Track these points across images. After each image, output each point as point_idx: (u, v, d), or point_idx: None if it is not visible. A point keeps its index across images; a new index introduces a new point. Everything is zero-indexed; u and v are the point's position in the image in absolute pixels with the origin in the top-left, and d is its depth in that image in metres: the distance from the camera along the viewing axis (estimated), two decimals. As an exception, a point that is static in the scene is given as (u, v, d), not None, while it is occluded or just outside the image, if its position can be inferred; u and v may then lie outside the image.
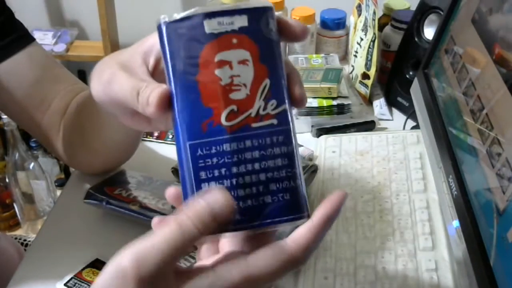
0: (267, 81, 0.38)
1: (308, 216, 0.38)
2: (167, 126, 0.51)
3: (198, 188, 0.38)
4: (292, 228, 0.39)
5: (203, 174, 0.38)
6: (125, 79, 0.44)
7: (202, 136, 0.38)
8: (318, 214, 0.38)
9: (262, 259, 0.37)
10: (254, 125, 0.38)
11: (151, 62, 0.45)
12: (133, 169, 0.76)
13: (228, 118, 0.38)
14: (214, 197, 0.37)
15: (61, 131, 0.72)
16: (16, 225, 1.75)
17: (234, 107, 0.38)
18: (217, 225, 0.37)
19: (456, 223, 0.54)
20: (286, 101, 0.39)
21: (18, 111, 0.73)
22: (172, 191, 0.40)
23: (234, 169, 0.38)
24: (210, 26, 0.38)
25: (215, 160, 0.38)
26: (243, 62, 0.38)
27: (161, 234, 0.36)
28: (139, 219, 0.66)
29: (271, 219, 0.38)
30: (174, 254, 0.36)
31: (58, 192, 1.73)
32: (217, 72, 0.38)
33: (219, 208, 0.36)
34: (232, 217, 0.37)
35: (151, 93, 0.40)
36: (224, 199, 0.37)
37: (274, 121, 0.38)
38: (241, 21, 0.38)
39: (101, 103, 0.48)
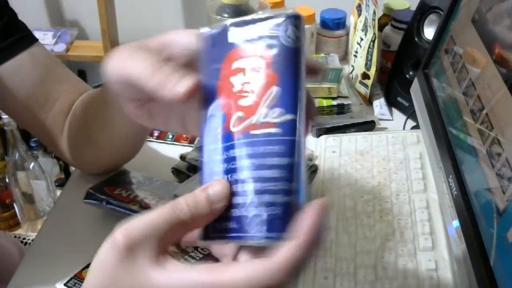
0: (274, 89, 0.37)
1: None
2: (166, 126, 0.52)
3: None
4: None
5: (215, 178, 0.39)
6: (144, 58, 0.44)
7: (217, 142, 0.39)
8: (300, 231, 0.35)
9: (241, 272, 0.35)
10: (252, 132, 0.37)
11: (164, 55, 0.46)
12: (133, 169, 0.76)
13: (234, 124, 0.38)
14: (211, 185, 0.38)
15: (65, 131, 0.73)
16: (16, 225, 1.75)
17: (241, 113, 0.38)
18: (209, 209, 0.37)
19: (456, 223, 0.54)
20: (297, 111, 0.37)
21: (21, 111, 0.73)
22: None
23: (234, 176, 0.37)
24: (232, 35, 0.40)
25: (225, 165, 0.38)
26: (255, 69, 0.38)
27: (153, 212, 0.38)
28: (139, 219, 0.66)
29: (252, 233, 0.36)
30: (162, 227, 0.37)
31: (58, 192, 1.73)
32: (231, 79, 0.39)
33: (213, 193, 0.38)
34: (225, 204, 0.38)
35: (181, 81, 0.40)
36: (220, 186, 0.38)
37: (273, 130, 0.37)
38: (261, 30, 0.38)
39: (113, 82, 0.48)
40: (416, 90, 0.74)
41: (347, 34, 1.07)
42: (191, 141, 0.86)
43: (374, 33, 0.88)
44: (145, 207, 0.67)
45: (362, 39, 0.94)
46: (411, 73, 0.89)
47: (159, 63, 0.43)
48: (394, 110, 0.94)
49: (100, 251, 0.38)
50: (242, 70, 0.39)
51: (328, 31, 1.06)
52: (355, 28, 1.00)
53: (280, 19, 0.38)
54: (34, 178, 1.64)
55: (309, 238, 0.35)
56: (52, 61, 0.75)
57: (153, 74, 0.42)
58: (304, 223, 0.35)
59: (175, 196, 0.67)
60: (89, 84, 0.78)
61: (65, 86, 0.74)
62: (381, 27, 0.97)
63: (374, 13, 0.87)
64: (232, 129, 0.38)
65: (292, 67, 0.38)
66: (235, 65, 0.39)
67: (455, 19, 0.67)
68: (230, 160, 0.38)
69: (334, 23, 1.05)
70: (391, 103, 0.94)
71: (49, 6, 2.10)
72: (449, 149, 0.60)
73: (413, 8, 0.90)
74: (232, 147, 0.38)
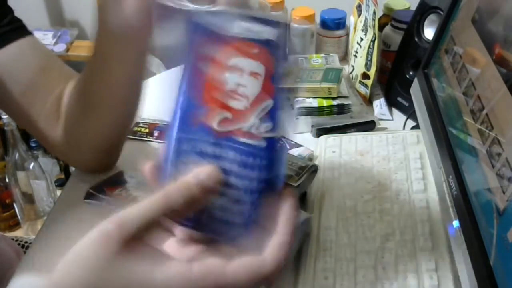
0: (270, 102, 0.37)
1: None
2: None
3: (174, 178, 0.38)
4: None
5: (182, 168, 0.38)
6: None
7: (191, 132, 0.37)
8: (281, 225, 0.38)
9: (241, 274, 0.37)
10: (240, 138, 0.37)
11: None
12: (132, 169, 0.76)
13: (219, 123, 0.37)
14: (202, 170, 0.37)
15: (61, 118, 0.72)
16: (16, 225, 1.75)
17: (229, 114, 0.37)
18: (201, 192, 0.37)
19: (456, 223, 0.54)
20: (283, 130, 0.38)
21: (20, 102, 0.72)
22: (149, 165, 0.42)
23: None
24: (237, 28, 0.37)
25: (196, 158, 0.37)
26: (254, 74, 0.37)
27: (145, 202, 0.37)
28: (139, 219, 0.66)
29: (213, 230, 0.38)
30: (155, 217, 0.37)
31: (58, 192, 1.73)
32: (226, 75, 0.37)
33: (205, 176, 0.37)
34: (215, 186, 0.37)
35: None
36: (212, 169, 0.37)
37: (263, 144, 0.37)
38: (270, 34, 0.37)
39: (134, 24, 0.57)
40: (416, 90, 0.74)
41: (347, 34, 1.07)
42: (191, 141, 0.85)
43: (374, 33, 0.89)
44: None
45: (362, 39, 0.94)
46: (411, 73, 0.89)
47: None
48: (394, 110, 0.94)
49: (84, 244, 0.38)
50: (239, 70, 0.37)
51: (328, 31, 1.06)
52: (355, 28, 1.00)
53: (280, 27, 0.37)
54: (34, 178, 1.64)
55: (289, 229, 0.38)
56: (51, 53, 0.75)
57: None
58: (283, 216, 0.38)
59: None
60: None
61: (64, 75, 0.74)
62: (381, 27, 0.97)
63: (374, 13, 0.87)
64: (215, 127, 0.37)
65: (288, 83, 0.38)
66: (234, 61, 0.37)
67: (455, 19, 0.67)
68: (205, 155, 0.37)
69: (334, 23, 1.05)
70: (391, 103, 0.94)
71: (49, 6, 2.10)
72: (449, 149, 0.60)
73: (413, 8, 0.90)
74: (210, 144, 0.37)
